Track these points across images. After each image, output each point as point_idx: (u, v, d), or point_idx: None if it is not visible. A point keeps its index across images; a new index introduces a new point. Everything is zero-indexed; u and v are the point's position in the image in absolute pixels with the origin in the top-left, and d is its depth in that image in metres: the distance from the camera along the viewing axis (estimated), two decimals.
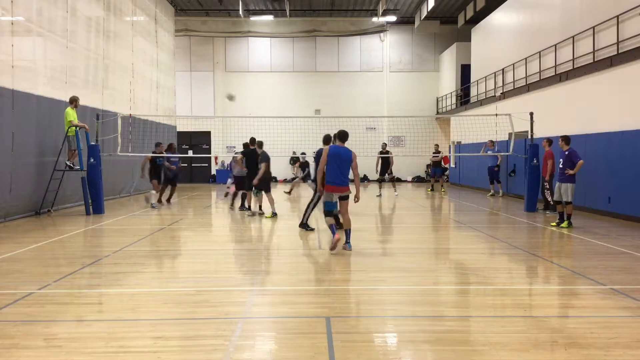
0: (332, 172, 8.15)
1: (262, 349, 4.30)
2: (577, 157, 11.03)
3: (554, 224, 11.28)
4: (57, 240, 9.49)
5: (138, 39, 20.23)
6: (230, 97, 29.18)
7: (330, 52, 30.72)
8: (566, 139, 11.31)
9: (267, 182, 12.58)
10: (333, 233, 8.10)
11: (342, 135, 8.40)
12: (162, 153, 15.10)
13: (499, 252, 8.58)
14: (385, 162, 19.15)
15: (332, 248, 8.03)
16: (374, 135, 28.76)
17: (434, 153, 20.54)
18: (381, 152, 19.10)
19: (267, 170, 12.38)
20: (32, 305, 5.39)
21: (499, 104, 20.49)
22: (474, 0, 25.24)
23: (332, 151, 8.22)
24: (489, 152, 18.93)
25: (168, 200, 15.79)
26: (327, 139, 9.52)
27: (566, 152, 11.16)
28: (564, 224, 11.00)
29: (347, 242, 8.30)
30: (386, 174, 19.27)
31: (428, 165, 23.05)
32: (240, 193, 14.39)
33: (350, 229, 8.43)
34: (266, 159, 12.39)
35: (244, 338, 4.47)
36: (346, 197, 8.33)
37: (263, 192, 12.80)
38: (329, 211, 8.31)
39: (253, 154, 12.97)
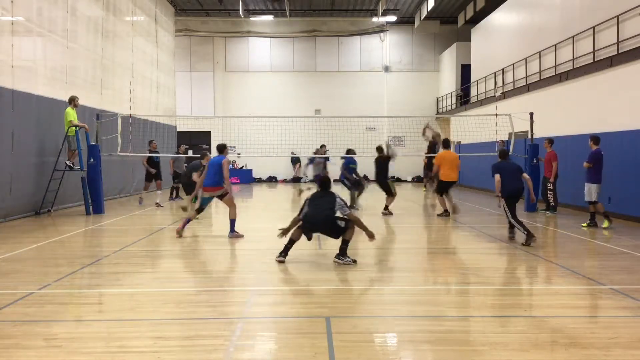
0: (207, 177, 9.70)
1: (262, 349, 4.30)
2: (589, 158, 11.06)
3: (585, 225, 11.05)
4: (57, 240, 9.50)
5: (138, 39, 20.23)
6: None
7: (330, 52, 30.70)
8: (595, 139, 11.26)
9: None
10: (185, 223, 9.68)
11: (220, 148, 10.11)
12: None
13: (499, 252, 8.57)
14: None
15: (178, 231, 9.64)
16: (374, 135, 28.72)
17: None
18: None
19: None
20: (32, 305, 5.39)
21: (499, 104, 20.47)
22: (474, 0, 25.23)
23: (210, 161, 9.88)
24: None
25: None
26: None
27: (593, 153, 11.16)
28: (605, 224, 10.81)
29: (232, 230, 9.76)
30: None
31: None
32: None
33: (234, 220, 9.76)
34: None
35: (244, 338, 4.47)
36: (223, 195, 9.71)
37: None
38: (202, 207, 9.89)
39: (382, 159, 13.83)
